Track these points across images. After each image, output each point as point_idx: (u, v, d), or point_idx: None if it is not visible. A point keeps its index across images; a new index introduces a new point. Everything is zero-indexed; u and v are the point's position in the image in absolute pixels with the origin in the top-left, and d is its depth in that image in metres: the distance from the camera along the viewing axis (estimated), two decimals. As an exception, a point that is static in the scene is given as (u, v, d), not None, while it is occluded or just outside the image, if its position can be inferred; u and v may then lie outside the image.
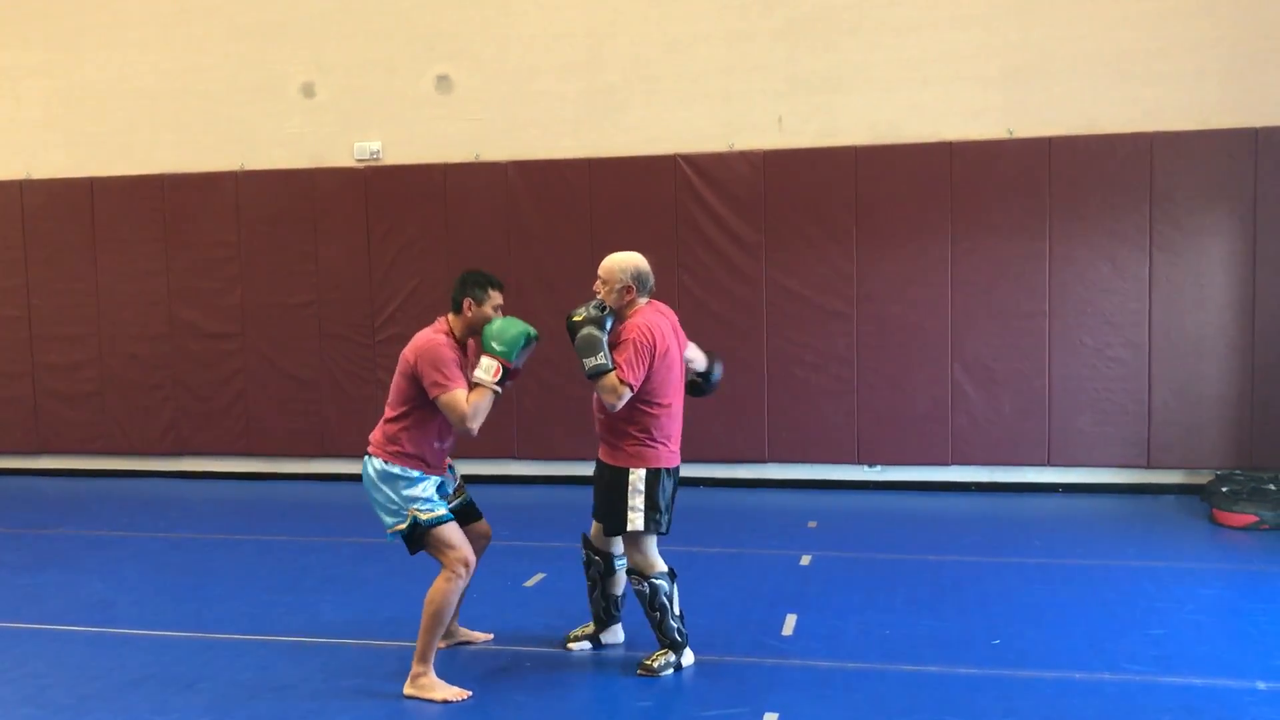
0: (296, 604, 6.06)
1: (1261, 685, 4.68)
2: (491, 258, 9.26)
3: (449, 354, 4.65)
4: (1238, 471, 8.08)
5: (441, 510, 4.75)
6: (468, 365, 4.76)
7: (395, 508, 4.74)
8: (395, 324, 9.43)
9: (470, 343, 4.85)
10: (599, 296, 4.90)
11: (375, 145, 9.52)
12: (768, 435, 8.95)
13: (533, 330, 4.74)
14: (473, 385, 4.64)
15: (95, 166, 9.95)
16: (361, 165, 9.53)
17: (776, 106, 8.90)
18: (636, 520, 4.84)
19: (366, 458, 4.82)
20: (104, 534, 7.96)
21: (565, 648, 5.25)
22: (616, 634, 5.30)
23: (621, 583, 5.20)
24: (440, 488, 4.85)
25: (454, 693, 4.71)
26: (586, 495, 5.26)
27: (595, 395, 4.87)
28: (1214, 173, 8.26)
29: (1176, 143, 8.28)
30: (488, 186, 9.26)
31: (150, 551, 7.37)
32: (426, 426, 4.74)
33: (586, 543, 5.21)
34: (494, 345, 4.63)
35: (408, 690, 4.74)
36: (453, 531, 4.75)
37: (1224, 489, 7.67)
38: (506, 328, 4.68)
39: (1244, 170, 8.21)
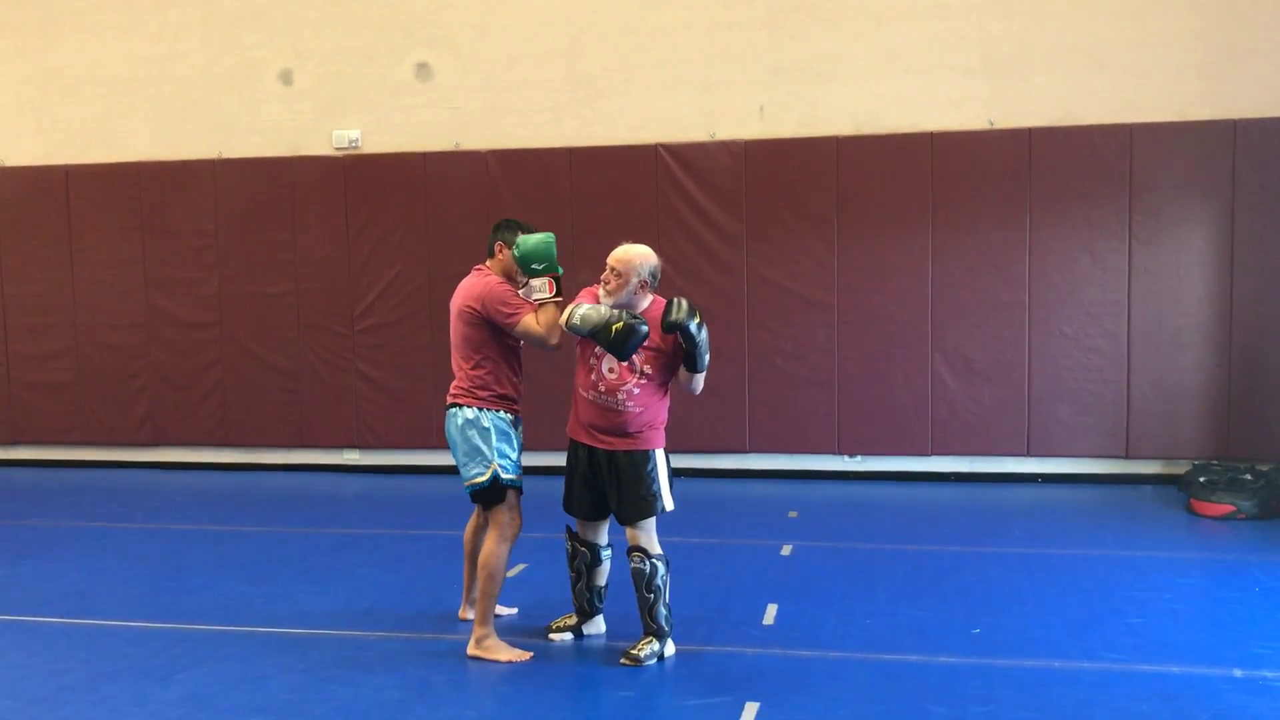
0: (275, 595, 6.02)
1: (1238, 673, 4.71)
2: (471, 247, 9.20)
3: (507, 288, 5.02)
4: (1215, 462, 8.13)
5: (516, 476, 5.06)
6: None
7: (482, 458, 4.96)
8: (374, 314, 9.38)
9: None
10: (608, 285, 4.86)
11: (354, 134, 9.46)
12: (749, 425, 8.95)
13: (549, 234, 5.00)
14: (537, 306, 4.95)
15: (70, 154, 9.84)
16: (340, 154, 9.46)
17: (758, 96, 8.89)
18: (669, 499, 4.97)
19: (456, 409, 5.03)
20: (80, 525, 7.89)
21: (547, 638, 5.23)
22: (598, 625, 5.29)
23: (605, 574, 5.21)
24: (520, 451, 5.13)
25: (517, 654, 4.95)
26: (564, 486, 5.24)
27: (630, 391, 4.85)
28: (1192, 164, 8.30)
29: (1156, 134, 8.31)
30: (467, 175, 9.21)
31: (127, 542, 7.31)
32: (507, 363, 5.09)
33: (572, 535, 5.20)
34: (534, 267, 4.92)
35: (472, 650, 4.97)
36: (517, 499, 5.05)
37: (1201, 479, 7.72)
38: (530, 243, 4.95)
39: (1222, 162, 8.24)
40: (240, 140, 9.60)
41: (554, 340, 4.91)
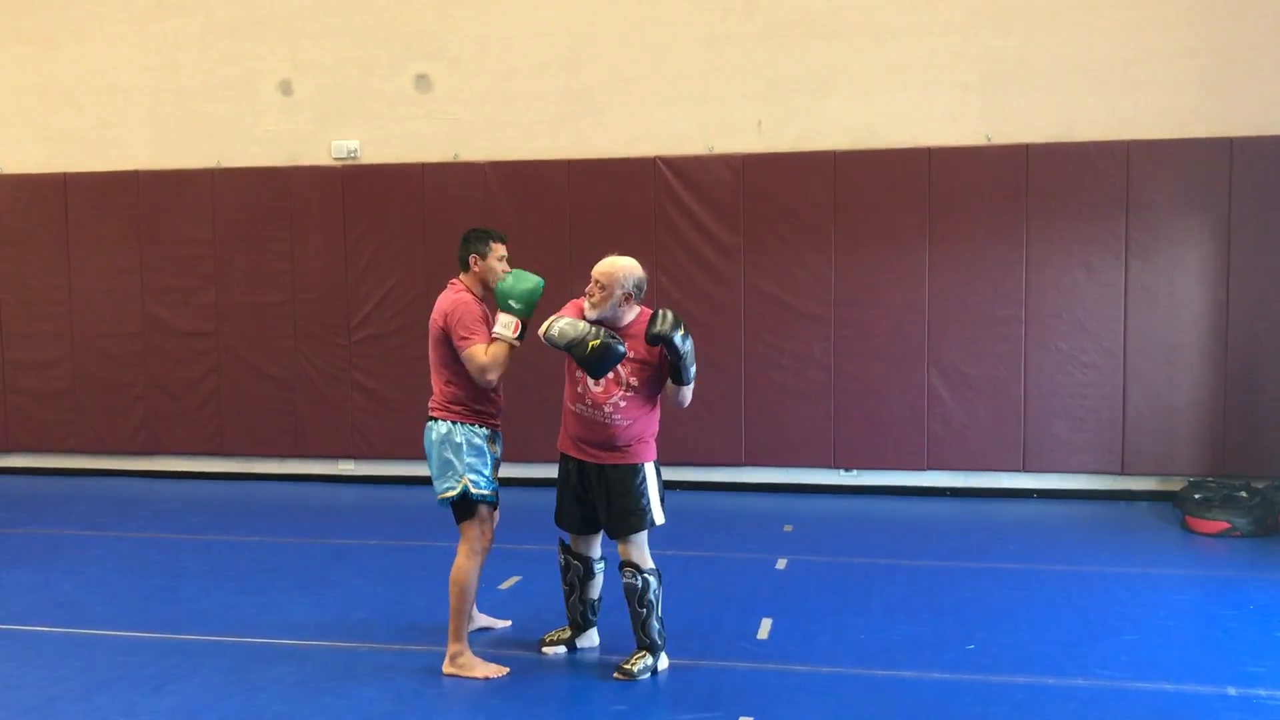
0: (268, 605, 6.01)
1: (1232, 691, 4.71)
2: (469, 258, 9.24)
3: (475, 310, 4.93)
4: (1210, 479, 8.13)
5: (488, 491, 4.95)
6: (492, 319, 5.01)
7: (453, 472, 4.90)
8: (371, 324, 9.38)
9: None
10: (593, 298, 4.84)
11: (353, 144, 9.47)
12: (744, 439, 8.94)
13: (541, 281, 4.95)
14: (493, 339, 4.87)
15: (68, 162, 9.85)
16: (339, 164, 9.47)
17: (756, 110, 8.91)
18: (659, 514, 4.93)
19: (432, 422, 4.99)
20: (74, 533, 7.87)
21: (541, 651, 5.23)
22: (592, 638, 5.28)
23: (599, 587, 5.19)
24: (495, 465, 5.02)
25: (493, 670, 4.90)
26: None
27: (616, 404, 4.81)
28: (1189, 181, 8.32)
29: (1153, 151, 8.34)
30: (466, 187, 9.22)
31: (121, 551, 7.29)
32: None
33: (565, 548, 5.19)
34: (511, 304, 4.88)
35: (446, 669, 4.90)
36: (488, 514, 4.98)
37: (1196, 496, 7.72)
38: (519, 284, 4.91)
39: (1219, 179, 8.27)
40: (239, 150, 9.61)
41: (490, 376, 4.83)
